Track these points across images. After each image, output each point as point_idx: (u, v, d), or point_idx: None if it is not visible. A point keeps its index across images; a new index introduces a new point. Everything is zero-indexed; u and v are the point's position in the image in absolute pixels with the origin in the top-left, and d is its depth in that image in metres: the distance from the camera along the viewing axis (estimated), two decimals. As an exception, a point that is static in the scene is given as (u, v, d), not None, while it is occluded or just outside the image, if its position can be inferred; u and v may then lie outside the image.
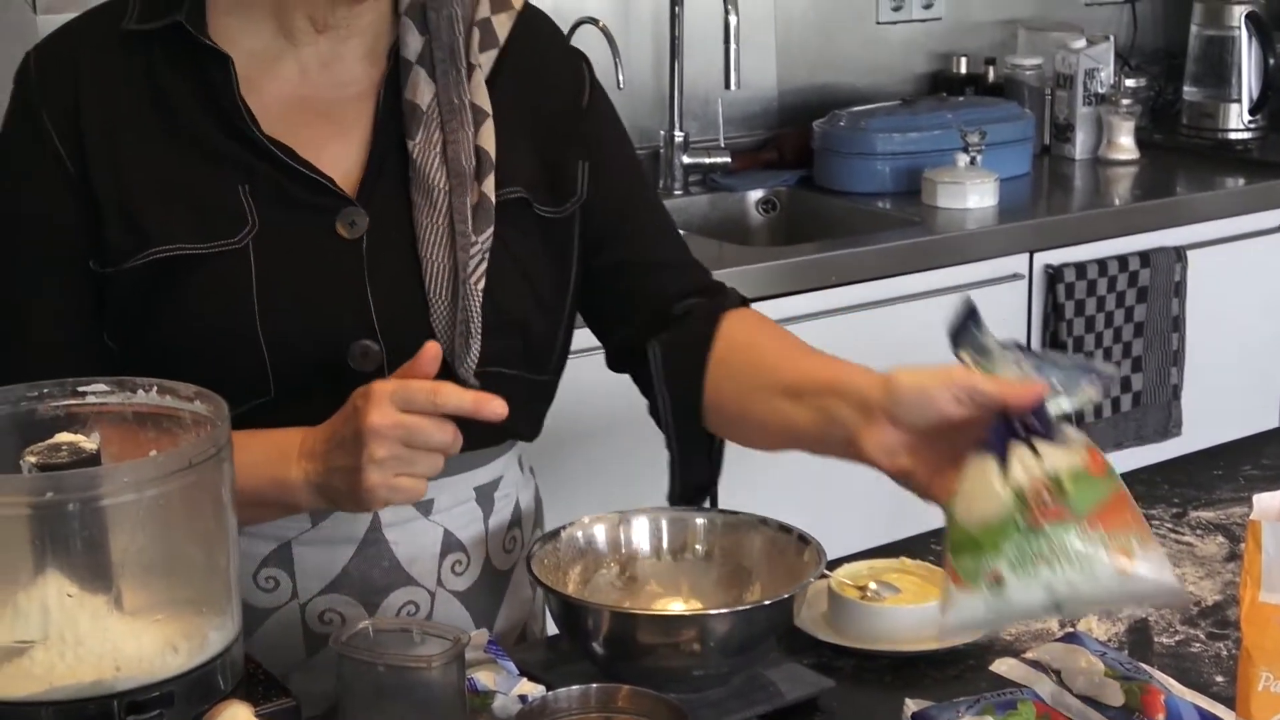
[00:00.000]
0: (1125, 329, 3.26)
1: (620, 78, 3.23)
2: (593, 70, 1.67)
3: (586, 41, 3.25)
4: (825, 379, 1.49)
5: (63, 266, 1.50)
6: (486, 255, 1.52)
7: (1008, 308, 3.14)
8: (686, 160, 3.45)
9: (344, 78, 1.56)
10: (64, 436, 1.20)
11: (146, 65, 1.51)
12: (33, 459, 1.17)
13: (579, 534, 1.58)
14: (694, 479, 1.64)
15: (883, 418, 1.41)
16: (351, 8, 1.52)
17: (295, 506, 1.47)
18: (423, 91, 1.54)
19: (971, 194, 3.23)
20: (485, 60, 1.57)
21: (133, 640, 1.16)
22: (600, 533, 1.59)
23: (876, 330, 2.93)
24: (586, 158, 1.61)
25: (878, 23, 3.82)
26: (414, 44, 1.55)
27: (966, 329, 1.41)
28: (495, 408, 1.38)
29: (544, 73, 1.62)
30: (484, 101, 1.55)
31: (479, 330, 1.51)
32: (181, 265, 1.47)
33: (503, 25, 1.58)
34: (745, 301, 1.68)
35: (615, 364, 1.69)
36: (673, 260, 1.69)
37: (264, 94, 1.52)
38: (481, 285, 1.51)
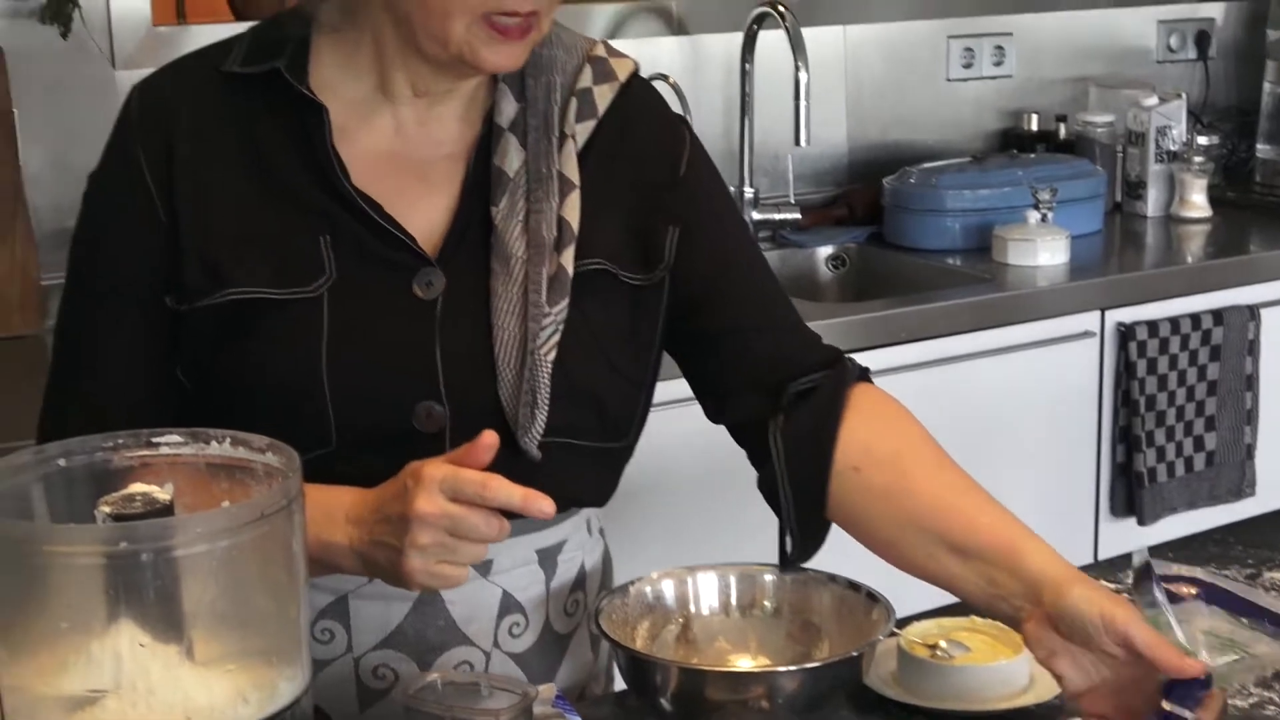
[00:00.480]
0: (1198, 388, 3.23)
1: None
2: (694, 136, 1.66)
3: (657, 98, 3.27)
4: (999, 548, 1.48)
5: (141, 300, 1.51)
6: (560, 327, 1.51)
7: (1079, 366, 3.12)
8: (756, 216, 3.45)
9: (438, 137, 1.56)
10: (138, 487, 1.21)
11: (244, 109, 1.53)
12: (107, 509, 1.17)
13: (647, 589, 1.57)
14: (805, 554, 1.62)
15: (1047, 618, 1.42)
16: (453, 80, 1.53)
17: (338, 568, 1.46)
18: (511, 158, 1.55)
19: (1043, 251, 3.21)
20: (581, 131, 1.57)
21: (204, 690, 1.16)
22: (668, 588, 1.58)
23: (946, 387, 2.92)
24: (678, 224, 1.60)
25: (948, 80, 3.83)
26: (508, 110, 1.56)
27: (1144, 585, 1.41)
28: (543, 506, 1.37)
29: (642, 145, 1.61)
30: (573, 172, 1.55)
31: (546, 401, 1.50)
32: (256, 309, 1.48)
33: (604, 96, 1.58)
34: (865, 374, 1.65)
35: (727, 427, 1.67)
36: (780, 326, 1.66)
37: (357, 146, 1.54)
38: (552, 356, 1.50)
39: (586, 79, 1.58)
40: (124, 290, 1.52)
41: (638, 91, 1.63)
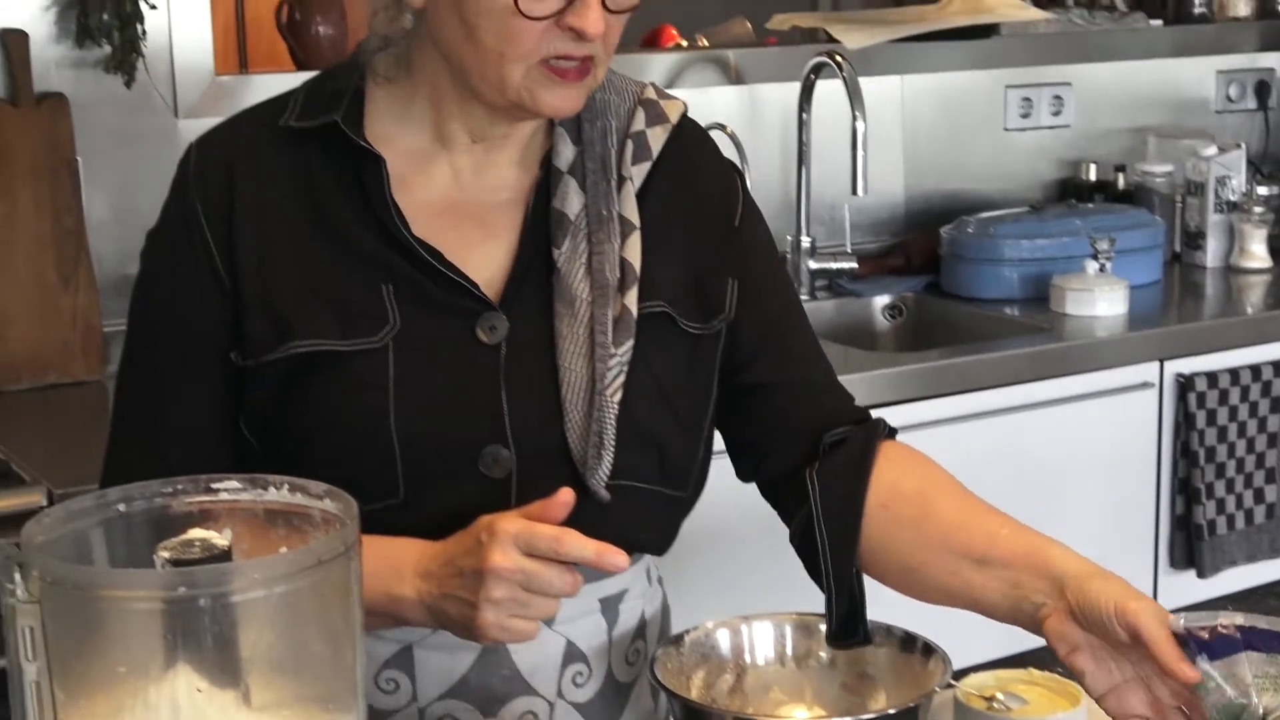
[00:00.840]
0: (1258, 439, 3.21)
1: (747, 183, 3.25)
2: (746, 186, 1.68)
3: (714, 147, 3.28)
4: (1020, 551, 1.50)
5: (204, 356, 1.52)
6: (625, 368, 1.52)
7: (1138, 417, 3.10)
8: (813, 265, 3.45)
9: (496, 183, 1.57)
10: (197, 532, 1.22)
11: (302, 162, 1.54)
12: (166, 554, 1.18)
13: (703, 639, 1.57)
14: (842, 611, 1.62)
15: (1069, 612, 1.44)
16: (510, 125, 1.54)
17: (405, 621, 1.47)
18: (572, 201, 1.56)
19: (1101, 301, 3.20)
20: (637, 173, 1.58)
21: (260, 736, 1.17)
22: (724, 638, 1.58)
23: (1004, 438, 2.90)
24: (737, 276, 1.62)
25: (1006, 129, 3.82)
26: (566, 154, 1.57)
27: (1186, 654, 1.41)
28: (617, 561, 1.38)
29: (696, 187, 1.63)
30: (632, 214, 1.56)
31: (613, 442, 1.51)
32: (322, 361, 1.49)
33: (657, 139, 1.60)
34: (893, 432, 1.66)
35: (759, 486, 1.68)
36: (821, 384, 1.68)
37: (415, 195, 1.55)
38: (618, 398, 1.51)
39: (640, 122, 1.60)
40: (186, 347, 1.53)
41: (689, 133, 1.65)
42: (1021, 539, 1.52)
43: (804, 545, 1.61)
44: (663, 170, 1.60)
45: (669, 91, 1.66)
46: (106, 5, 2.77)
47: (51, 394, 2.76)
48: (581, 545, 1.37)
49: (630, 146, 1.59)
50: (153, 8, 2.82)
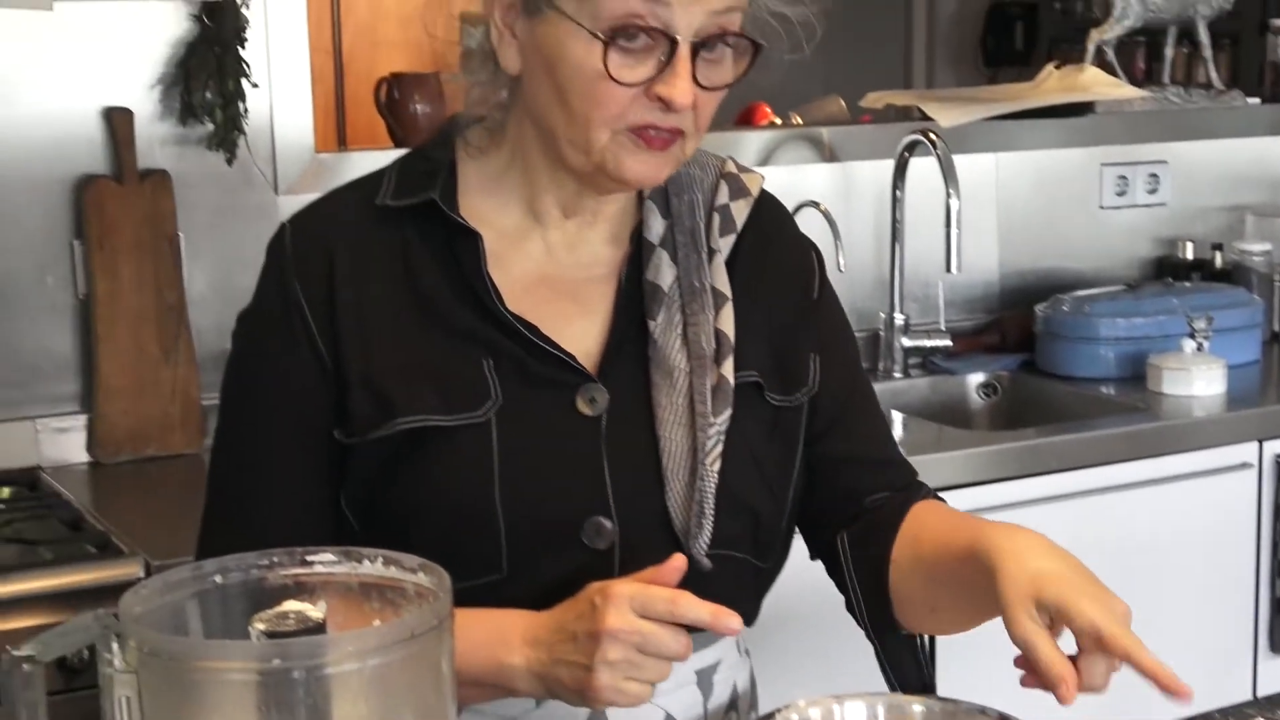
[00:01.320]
0: (1360, 521, 3.16)
1: (841, 260, 3.26)
2: (823, 262, 1.69)
3: (809, 224, 3.27)
4: (982, 532, 1.49)
5: (304, 434, 1.54)
6: (722, 437, 1.53)
7: (1237, 498, 3.06)
8: (907, 343, 3.45)
9: (588, 259, 1.59)
10: (291, 604, 1.23)
11: (398, 240, 1.55)
12: (261, 626, 1.19)
13: (794, 717, 1.56)
14: (906, 680, 1.62)
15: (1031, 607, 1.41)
16: (598, 197, 1.56)
17: (513, 691, 1.47)
18: (665, 273, 1.57)
19: (1198, 380, 3.17)
20: (724, 245, 1.60)
21: (352, 808, 1.17)
22: (815, 716, 1.57)
23: (1100, 518, 2.88)
24: (818, 350, 1.63)
25: (1101, 207, 3.80)
26: (657, 227, 1.59)
27: None
28: (731, 623, 1.40)
29: (777, 260, 1.65)
30: (724, 285, 1.58)
31: (713, 511, 1.52)
32: (426, 437, 1.50)
33: (740, 211, 1.62)
34: (932, 493, 1.68)
35: (821, 559, 1.70)
36: (892, 459, 1.70)
37: (510, 271, 1.56)
38: (717, 466, 1.52)
39: (723, 195, 1.62)
40: (285, 427, 1.54)
41: (768, 206, 1.67)
42: (957, 538, 1.51)
43: (852, 611, 1.64)
44: (746, 242, 1.62)
45: (757, 169, 1.68)
46: (210, 84, 2.82)
47: (150, 466, 2.80)
48: (697, 607, 1.39)
49: (716, 219, 1.61)
50: (255, 86, 2.87)
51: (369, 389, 1.51)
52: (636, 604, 1.38)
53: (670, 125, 1.49)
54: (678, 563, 1.42)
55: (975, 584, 1.46)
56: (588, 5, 1.45)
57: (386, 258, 1.55)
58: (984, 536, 1.47)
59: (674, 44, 1.45)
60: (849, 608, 1.65)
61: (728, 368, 1.55)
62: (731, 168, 1.65)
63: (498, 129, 1.58)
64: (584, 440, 1.52)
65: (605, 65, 1.45)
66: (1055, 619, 1.40)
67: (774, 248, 1.66)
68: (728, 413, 1.54)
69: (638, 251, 1.59)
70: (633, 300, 1.57)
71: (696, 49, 1.46)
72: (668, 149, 1.50)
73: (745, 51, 1.51)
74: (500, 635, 1.45)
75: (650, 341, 1.55)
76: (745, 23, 1.51)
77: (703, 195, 1.61)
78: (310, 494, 1.55)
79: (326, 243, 1.55)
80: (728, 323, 1.56)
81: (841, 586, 1.66)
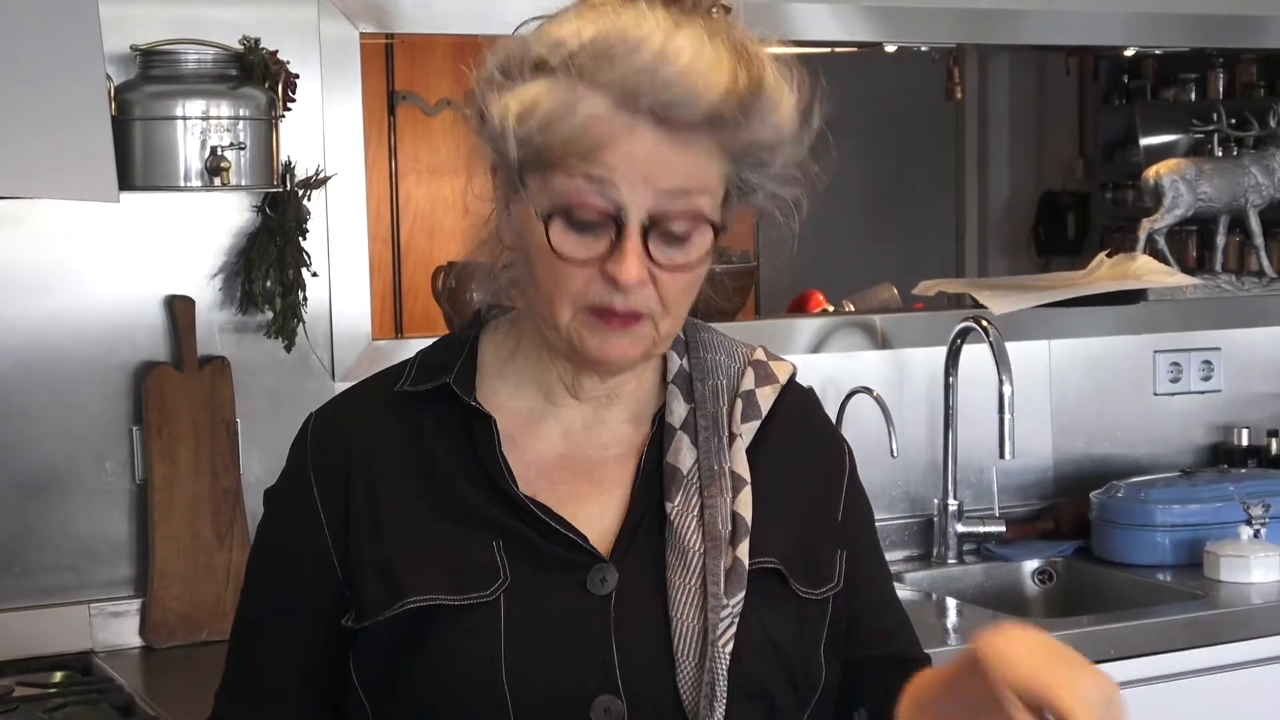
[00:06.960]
0: None
1: (894, 446, 3.26)
2: (854, 460, 1.69)
3: (861, 410, 3.30)
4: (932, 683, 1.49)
5: (311, 619, 1.56)
6: (736, 620, 1.52)
7: (1298, 686, 3.03)
8: (960, 529, 3.43)
9: (606, 439, 1.60)
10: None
11: (415, 426, 1.58)
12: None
13: None
14: None
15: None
16: (597, 379, 1.57)
17: None
18: (685, 456, 1.58)
19: (1256, 568, 3.15)
20: (746, 430, 1.60)
21: None
22: None
23: (1159, 706, 2.85)
24: (845, 547, 1.63)
25: (1155, 394, 3.80)
26: (679, 410, 1.60)
27: None
28: None
29: (806, 452, 1.65)
30: (743, 469, 1.58)
31: (724, 694, 1.50)
32: (434, 616, 1.51)
33: (766, 398, 1.62)
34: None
35: None
36: (916, 656, 1.68)
37: (526, 452, 1.58)
38: (729, 648, 1.51)
39: (749, 381, 1.62)
40: (295, 608, 1.57)
41: (796, 394, 1.67)
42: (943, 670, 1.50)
43: None
44: (773, 430, 1.62)
45: (789, 358, 1.68)
46: (271, 273, 2.87)
47: (203, 651, 2.80)
48: None
49: (740, 405, 1.61)
50: (314, 275, 2.92)
51: (377, 572, 1.53)
52: None
53: (626, 308, 1.50)
54: None
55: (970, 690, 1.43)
56: (547, 185, 1.48)
57: (401, 441, 1.57)
58: (966, 652, 1.45)
59: (620, 224, 1.48)
60: None
61: (743, 550, 1.54)
62: (761, 356, 1.66)
63: (513, 317, 1.61)
64: (593, 619, 1.52)
65: (549, 242, 1.47)
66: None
67: (803, 438, 1.66)
68: (741, 595, 1.53)
69: (659, 433, 1.60)
70: (651, 481, 1.58)
71: (649, 228, 1.48)
72: (629, 329, 1.51)
73: (707, 233, 1.50)
74: None
75: (666, 523, 1.56)
76: (733, 203, 1.53)
77: (728, 381, 1.62)
78: (308, 674, 1.57)
79: (344, 432, 1.59)
80: (745, 506, 1.56)
81: None
